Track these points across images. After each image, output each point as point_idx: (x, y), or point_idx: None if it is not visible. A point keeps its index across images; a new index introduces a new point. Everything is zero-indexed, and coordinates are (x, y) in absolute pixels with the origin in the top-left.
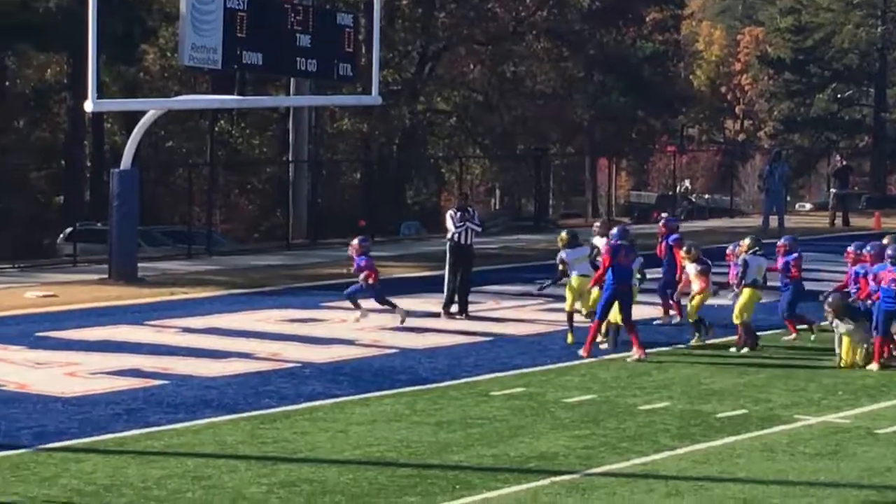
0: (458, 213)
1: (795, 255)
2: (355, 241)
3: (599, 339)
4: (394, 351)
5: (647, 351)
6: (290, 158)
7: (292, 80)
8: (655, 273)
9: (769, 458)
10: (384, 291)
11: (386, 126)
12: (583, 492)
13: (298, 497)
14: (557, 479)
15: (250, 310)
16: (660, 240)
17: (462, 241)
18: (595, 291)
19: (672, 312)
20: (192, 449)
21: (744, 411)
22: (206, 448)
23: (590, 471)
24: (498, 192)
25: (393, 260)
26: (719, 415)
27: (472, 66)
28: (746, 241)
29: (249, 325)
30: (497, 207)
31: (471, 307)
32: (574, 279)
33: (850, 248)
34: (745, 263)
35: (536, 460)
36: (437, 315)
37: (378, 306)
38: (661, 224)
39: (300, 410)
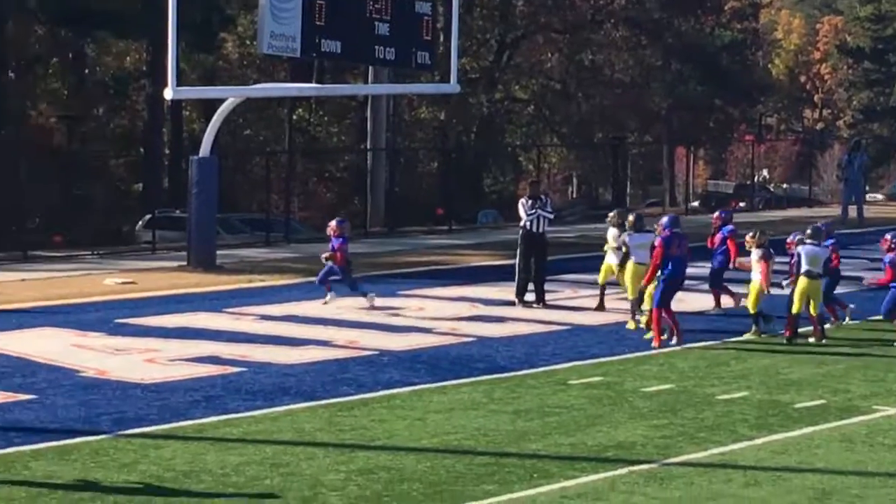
0: (531, 201)
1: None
2: (333, 223)
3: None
4: (471, 339)
5: (716, 341)
6: (369, 146)
7: (370, 68)
8: (703, 265)
9: (848, 448)
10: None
11: (463, 114)
12: (661, 481)
13: (376, 484)
14: (635, 468)
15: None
16: (713, 230)
17: (534, 228)
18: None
19: (726, 303)
20: (270, 436)
21: (822, 402)
22: (285, 435)
23: (668, 460)
24: (575, 180)
25: (470, 248)
26: (797, 405)
27: (549, 55)
28: (807, 231)
29: (327, 312)
30: (574, 196)
31: (548, 296)
32: (630, 265)
33: (888, 236)
34: (800, 253)
35: (614, 449)
36: (513, 303)
37: (350, 294)
38: (715, 215)
39: (378, 398)
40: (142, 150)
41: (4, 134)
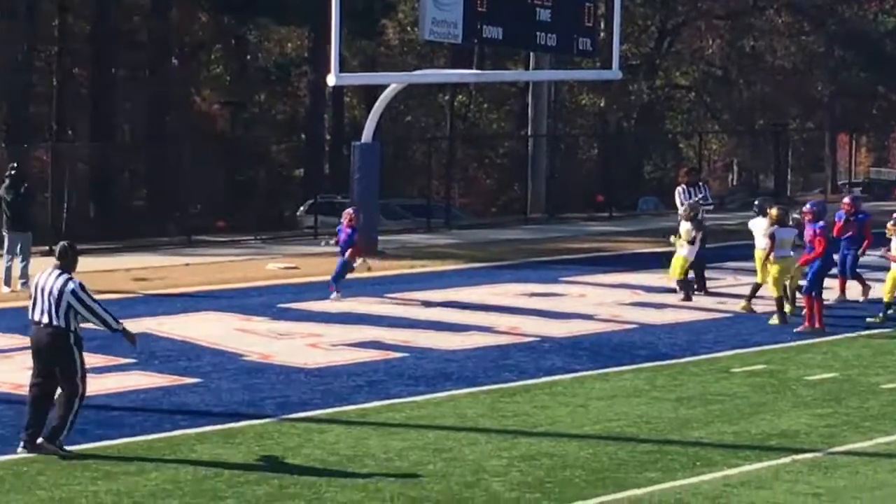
0: (689, 189)
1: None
2: (351, 211)
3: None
4: (633, 326)
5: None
6: (529, 133)
7: (531, 54)
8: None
9: None
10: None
11: (624, 101)
12: (825, 470)
13: (538, 471)
14: (799, 457)
15: (489, 283)
16: (848, 217)
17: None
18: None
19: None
20: (432, 421)
21: None
22: (447, 420)
23: (832, 449)
24: (735, 167)
25: (630, 235)
26: None
27: (710, 41)
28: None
29: (489, 298)
30: (734, 183)
31: (710, 283)
32: (773, 260)
33: (847, 199)
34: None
35: (777, 438)
36: (674, 291)
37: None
38: (846, 201)
39: (540, 384)
40: (303, 136)
41: (169, 120)
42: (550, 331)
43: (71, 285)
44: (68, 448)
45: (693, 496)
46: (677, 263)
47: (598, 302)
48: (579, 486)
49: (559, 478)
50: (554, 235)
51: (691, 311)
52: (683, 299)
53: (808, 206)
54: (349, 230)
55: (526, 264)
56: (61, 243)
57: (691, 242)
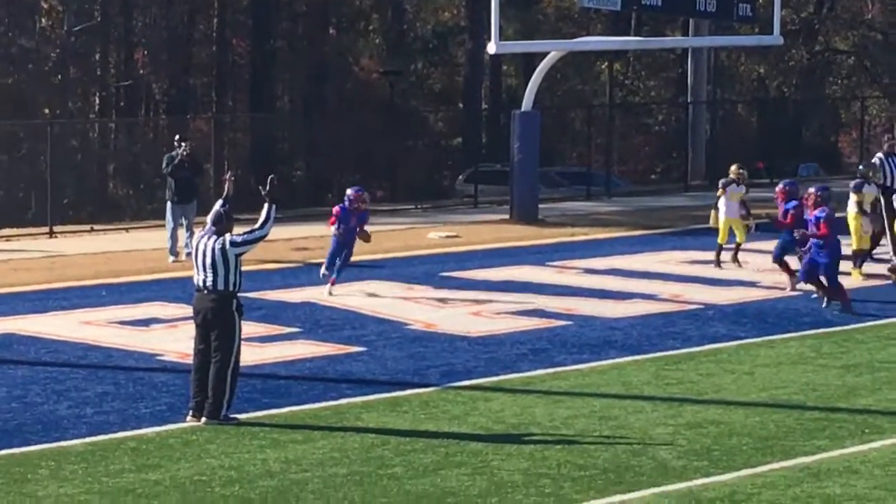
0: (888, 159)
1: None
2: (365, 194)
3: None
4: (797, 293)
5: None
6: (689, 100)
7: (690, 20)
8: None
9: None
10: None
11: (783, 66)
12: None
13: (705, 438)
14: None
15: (651, 251)
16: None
17: (889, 183)
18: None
19: None
20: (597, 389)
21: None
22: (612, 388)
23: None
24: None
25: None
26: None
27: (870, 4)
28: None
29: (651, 266)
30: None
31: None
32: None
33: (811, 190)
34: None
35: None
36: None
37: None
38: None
39: (704, 352)
40: (461, 104)
41: (327, 90)
42: (714, 298)
43: (227, 238)
44: (236, 416)
45: (862, 464)
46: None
47: (761, 269)
48: (747, 454)
49: (726, 445)
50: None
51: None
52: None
53: (812, 189)
54: (361, 214)
55: (688, 231)
56: (215, 209)
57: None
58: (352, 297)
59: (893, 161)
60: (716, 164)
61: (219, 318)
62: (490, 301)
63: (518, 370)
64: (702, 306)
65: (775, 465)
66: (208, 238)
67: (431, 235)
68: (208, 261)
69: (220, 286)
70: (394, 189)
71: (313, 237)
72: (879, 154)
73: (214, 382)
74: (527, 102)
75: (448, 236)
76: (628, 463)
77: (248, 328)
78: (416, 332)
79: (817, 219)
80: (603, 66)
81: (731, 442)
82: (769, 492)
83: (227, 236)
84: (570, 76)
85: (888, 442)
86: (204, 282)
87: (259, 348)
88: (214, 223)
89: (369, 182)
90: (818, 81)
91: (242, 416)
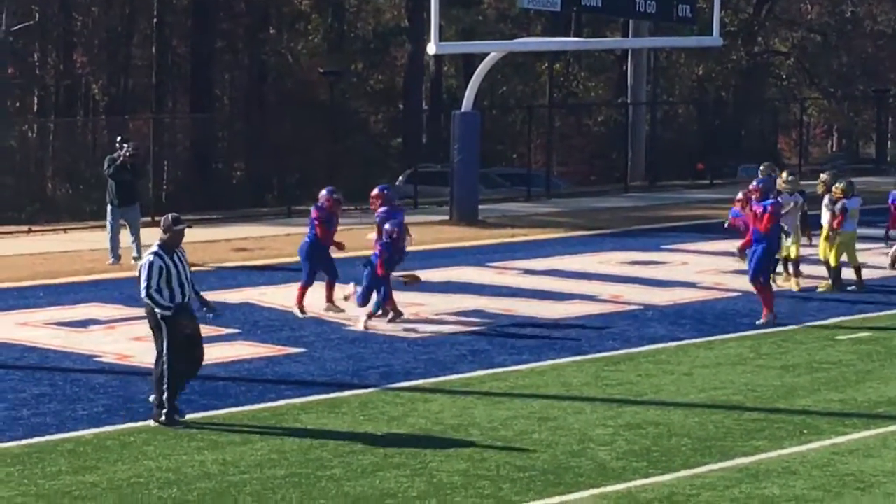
0: None
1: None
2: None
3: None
4: (736, 294)
5: None
6: (629, 100)
7: (630, 21)
8: None
9: None
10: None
11: (723, 68)
12: None
13: (644, 439)
14: None
15: (591, 252)
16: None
17: None
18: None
19: None
20: (537, 390)
21: None
22: (551, 389)
23: None
24: (835, 134)
25: (732, 202)
26: None
27: (809, 6)
28: None
29: (591, 266)
30: (834, 150)
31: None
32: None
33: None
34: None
35: (885, 406)
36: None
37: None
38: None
39: (644, 353)
40: (401, 105)
41: (267, 91)
42: (653, 299)
43: (145, 259)
44: (183, 419)
45: (801, 464)
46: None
47: (701, 269)
48: (685, 455)
49: (665, 446)
50: (654, 203)
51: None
52: None
53: (755, 183)
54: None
55: (627, 232)
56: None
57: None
58: (291, 298)
59: None
60: (656, 165)
61: (151, 323)
62: (429, 302)
63: (457, 371)
64: (641, 307)
65: (714, 466)
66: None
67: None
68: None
69: (143, 297)
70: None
71: (252, 237)
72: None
73: (154, 388)
74: (467, 103)
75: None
76: (567, 464)
77: None
78: (355, 334)
79: (764, 208)
80: (543, 67)
81: (670, 443)
82: (708, 493)
83: (147, 258)
84: (511, 77)
85: (827, 443)
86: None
87: None
88: (162, 230)
89: (309, 182)
90: (758, 83)
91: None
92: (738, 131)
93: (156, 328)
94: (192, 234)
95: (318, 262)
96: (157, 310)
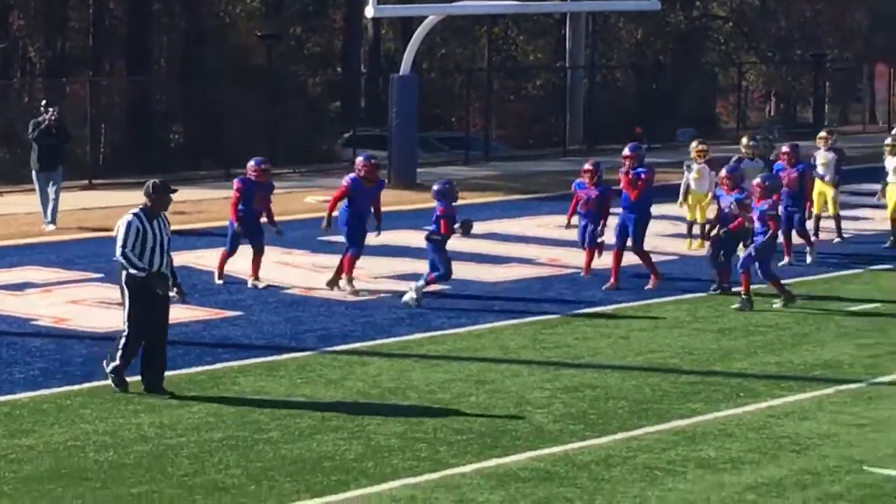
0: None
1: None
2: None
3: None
4: (674, 257)
5: None
6: (567, 65)
7: None
8: None
9: None
10: None
11: (661, 32)
12: (868, 400)
13: (581, 402)
14: (842, 387)
15: (529, 215)
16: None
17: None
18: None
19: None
20: (474, 353)
21: None
22: (489, 352)
23: (876, 379)
24: (773, 98)
25: (669, 166)
26: None
27: None
28: None
29: (529, 230)
30: (772, 114)
31: None
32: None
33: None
34: None
35: (821, 368)
36: None
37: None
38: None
39: (581, 316)
40: (340, 69)
41: (205, 54)
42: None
43: (124, 218)
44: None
45: (737, 427)
46: None
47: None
48: (622, 418)
49: (602, 409)
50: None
51: None
52: None
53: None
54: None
55: (566, 196)
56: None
57: None
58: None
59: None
60: (594, 129)
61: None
62: (367, 266)
63: (395, 334)
64: (579, 270)
65: (651, 429)
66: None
67: (308, 200)
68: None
69: (116, 256)
70: (272, 153)
71: (190, 201)
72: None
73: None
74: (405, 66)
75: (325, 200)
76: (504, 427)
77: None
78: (293, 297)
79: (637, 175)
80: (482, 31)
81: (606, 405)
82: (644, 455)
83: (126, 217)
84: (450, 40)
85: (763, 405)
86: None
87: None
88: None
89: (248, 147)
90: (696, 47)
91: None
92: (675, 95)
93: (121, 288)
94: (130, 198)
95: (248, 232)
96: (130, 270)
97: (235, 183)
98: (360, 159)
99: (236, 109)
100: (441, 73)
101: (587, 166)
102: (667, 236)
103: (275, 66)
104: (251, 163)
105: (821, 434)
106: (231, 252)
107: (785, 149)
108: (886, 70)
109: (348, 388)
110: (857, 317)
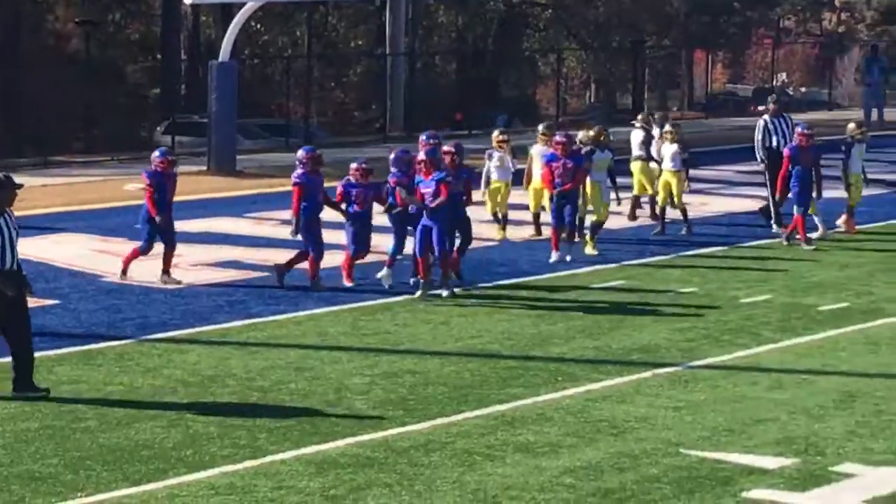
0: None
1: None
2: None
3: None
4: (493, 243)
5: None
6: (387, 51)
7: None
8: None
9: (872, 351)
10: None
11: (482, 18)
12: (685, 384)
13: (401, 388)
14: (660, 371)
15: None
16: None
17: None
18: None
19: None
20: (294, 340)
21: (846, 304)
22: (308, 339)
23: (692, 363)
24: (593, 85)
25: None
26: (821, 308)
27: None
28: None
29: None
30: (592, 101)
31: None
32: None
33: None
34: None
35: (638, 353)
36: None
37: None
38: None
39: (401, 302)
40: (159, 55)
41: (21, 41)
42: (406, 249)
43: None
44: None
45: (555, 411)
46: None
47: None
48: (442, 403)
49: (421, 395)
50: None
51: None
52: None
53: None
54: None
55: (387, 183)
56: None
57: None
58: (46, 249)
59: (780, 122)
60: (414, 116)
61: None
62: (187, 253)
63: (214, 322)
64: (400, 257)
65: (470, 414)
66: None
67: (127, 187)
68: None
69: None
70: (91, 141)
71: None
72: (766, 116)
73: None
74: (224, 53)
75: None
76: (324, 413)
77: None
78: (111, 285)
79: (437, 182)
80: (302, 17)
81: (426, 391)
82: (464, 440)
83: None
84: (271, 27)
85: (581, 389)
86: None
87: None
88: None
89: (67, 134)
90: (516, 34)
91: None
92: (496, 82)
93: None
94: None
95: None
96: None
97: (144, 177)
98: (155, 154)
99: (54, 97)
100: (261, 60)
101: (558, 138)
102: (484, 222)
103: (93, 53)
104: (156, 154)
105: (638, 417)
106: (145, 251)
107: (559, 139)
108: (703, 56)
109: (167, 377)
110: (673, 301)
